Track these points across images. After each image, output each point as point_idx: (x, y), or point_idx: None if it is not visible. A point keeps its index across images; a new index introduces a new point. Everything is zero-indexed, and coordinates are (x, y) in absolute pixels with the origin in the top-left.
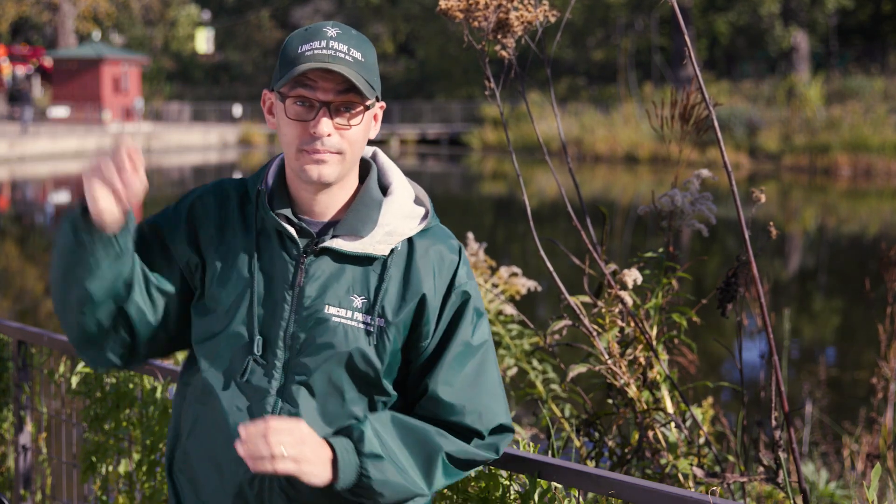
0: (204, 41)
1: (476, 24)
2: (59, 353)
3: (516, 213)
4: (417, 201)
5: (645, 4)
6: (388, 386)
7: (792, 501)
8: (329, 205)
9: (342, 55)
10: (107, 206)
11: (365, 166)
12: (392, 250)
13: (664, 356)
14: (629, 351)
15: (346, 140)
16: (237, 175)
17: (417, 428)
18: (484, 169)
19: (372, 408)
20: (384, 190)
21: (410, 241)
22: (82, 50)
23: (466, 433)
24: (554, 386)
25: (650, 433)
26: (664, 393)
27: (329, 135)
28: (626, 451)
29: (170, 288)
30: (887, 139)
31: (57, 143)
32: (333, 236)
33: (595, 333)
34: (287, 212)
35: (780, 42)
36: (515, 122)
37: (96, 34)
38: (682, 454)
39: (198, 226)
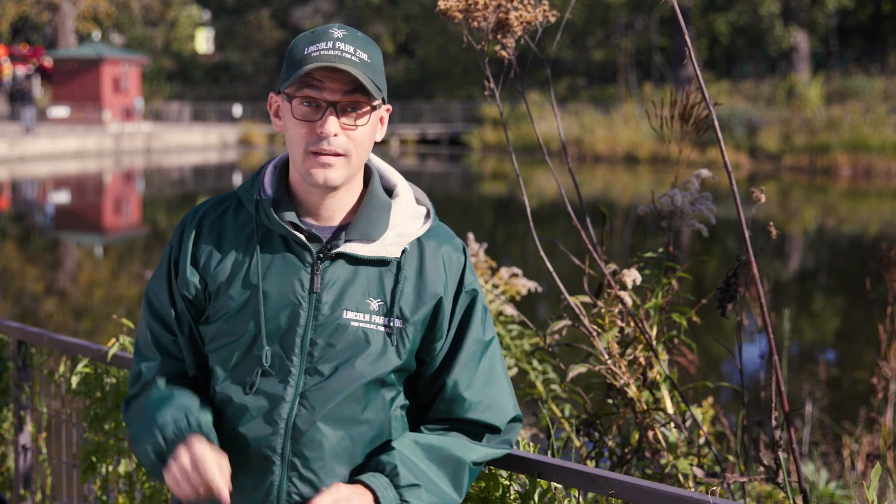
0: (204, 41)
1: (476, 24)
2: (59, 353)
3: (516, 213)
4: (418, 201)
5: (645, 4)
6: (402, 388)
7: (792, 501)
8: (336, 208)
9: (349, 56)
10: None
11: (366, 169)
12: (403, 251)
13: (664, 356)
14: (629, 351)
15: (353, 141)
16: (237, 176)
17: (440, 445)
18: (484, 169)
19: (387, 411)
20: (389, 192)
21: (419, 241)
22: (82, 50)
23: (483, 429)
24: (554, 386)
25: (650, 433)
26: (664, 393)
27: (335, 135)
28: (626, 451)
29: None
30: (887, 139)
31: (57, 143)
32: (346, 241)
33: (595, 333)
34: (293, 218)
35: (780, 42)
36: (515, 122)
37: (96, 34)
38: (682, 454)
39: (192, 248)
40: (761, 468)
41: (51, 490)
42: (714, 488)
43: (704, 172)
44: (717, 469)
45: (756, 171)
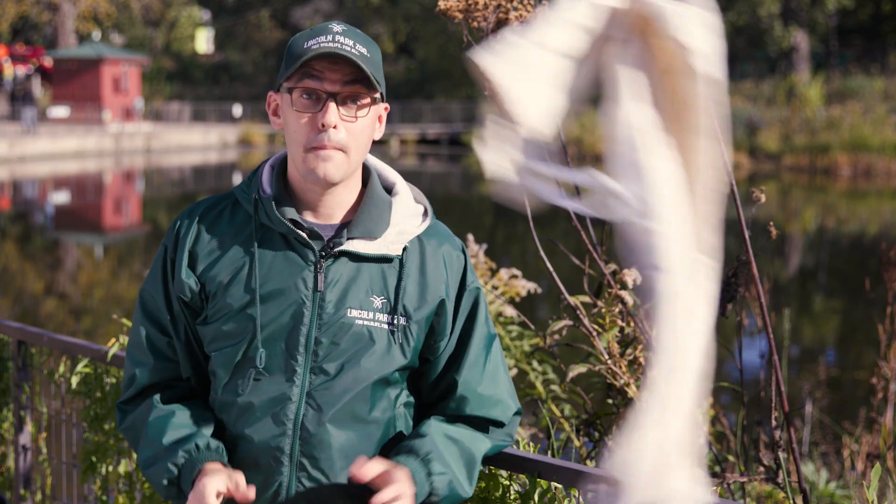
0: (204, 41)
1: (476, 24)
2: (59, 353)
3: (516, 213)
4: (416, 200)
5: None
6: (406, 385)
7: (792, 501)
8: (335, 206)
9: (349, 48)
10: None
11: (364, 169)
12: (404, 249)
13: None
14: (629, 351)
15: (352, 136)
16: (237, 175)
17: (459, 437)
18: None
19: (393, 409)
20: (388, 190)
21: (420, 239)
22: (82, 50)
23: (489, 424)
24: (554, 387)
25: None
26: None
27: (335, 126)
28: None
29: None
30: (887, 139)
31: (57, 143)
32: (349, 238)
33: (595, 333)
34: (294, 215)
35: (780, 42)
36: None
37: (96, 34)
38: None
39: (189, 249)
40: (761, 468)
41: (51, 490)
42: (714, 488)
43: None
44: (717, 469)
45: (756, 171)
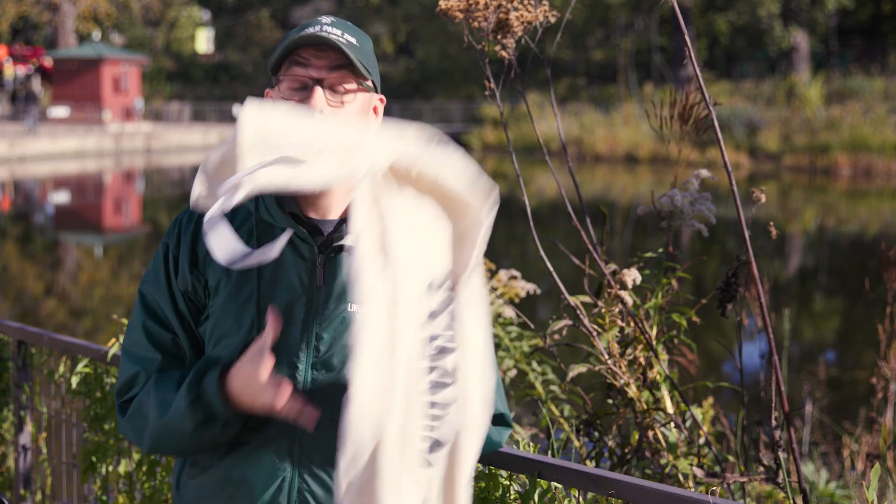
0: (204, 41)
1: (476, 24)
2: (59, 353)
3: (516, 213)
4: None
5: (645, 4)
6: None
7: (792, 501)
8: (333, 201)
9: (336, 37)
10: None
11: None
12: None
13: (664, 356)
14: (629, 351)
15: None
16: None
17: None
18: (484, 169)
19: None
20: None
21: None
22: (82, 50)
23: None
24: (553, 387)
25: (650, 433)
26: (664, 393)
27: (322, 111)
28: (626, 451)
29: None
30: (887, 139)
31: (57, 143)
32: (348, 233)
33: (595, 333)
34: (294, 210)
35: (780, 42)
36: (515, 122)
37: (96, 34)
38: (682, 454)
39: (191, 245)
40: (761, 468)
41: (51, 490)
42: (714, 488)
43: (704, 172)
44: (717, 469)
45: (756, 171)
